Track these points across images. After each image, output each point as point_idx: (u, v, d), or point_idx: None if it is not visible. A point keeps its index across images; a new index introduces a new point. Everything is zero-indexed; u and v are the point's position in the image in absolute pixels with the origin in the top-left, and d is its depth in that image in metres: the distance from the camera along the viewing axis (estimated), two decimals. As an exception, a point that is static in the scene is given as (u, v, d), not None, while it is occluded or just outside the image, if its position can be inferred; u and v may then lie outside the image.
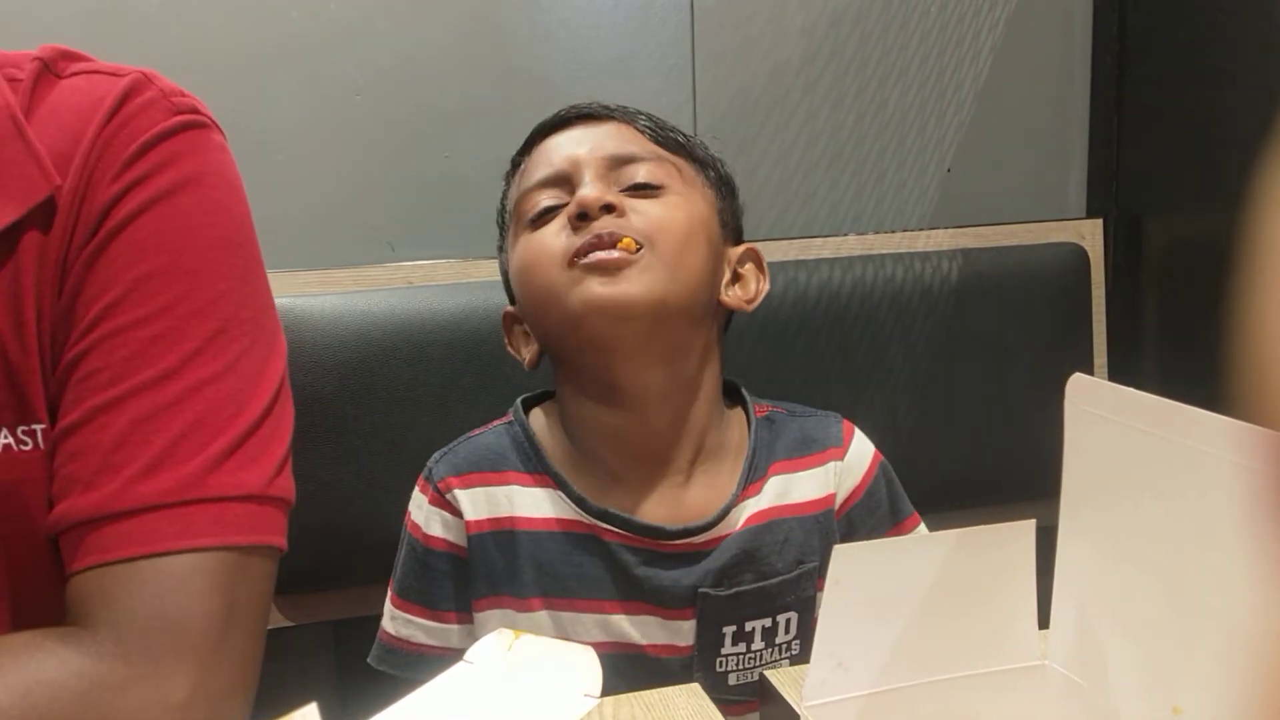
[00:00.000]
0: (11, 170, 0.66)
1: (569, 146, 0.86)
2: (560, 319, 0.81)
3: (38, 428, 0.66)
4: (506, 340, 0.92)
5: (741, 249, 0.91)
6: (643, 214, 0.81)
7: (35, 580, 0.67)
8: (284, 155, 1.28)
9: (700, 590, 0.83)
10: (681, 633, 0.84)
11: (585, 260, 0.78)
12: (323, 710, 0.46)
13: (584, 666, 0.51)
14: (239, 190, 0.74)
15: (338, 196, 1.30)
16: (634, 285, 0.78)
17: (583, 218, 0.79)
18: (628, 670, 0.83)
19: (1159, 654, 0.52)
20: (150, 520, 0.64)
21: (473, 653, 0.53)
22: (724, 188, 0.91)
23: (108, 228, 0.67)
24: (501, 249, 0.92)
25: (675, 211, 0.82)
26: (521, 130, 0.92)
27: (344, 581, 1.20)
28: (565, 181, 0.84)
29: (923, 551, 0.57)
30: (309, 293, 1.22)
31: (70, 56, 0.72)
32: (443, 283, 1.27)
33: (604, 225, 0.79)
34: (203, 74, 1.22)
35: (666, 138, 0.88)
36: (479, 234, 1.33)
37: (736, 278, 0.89)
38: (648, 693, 0.72)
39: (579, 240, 0.79)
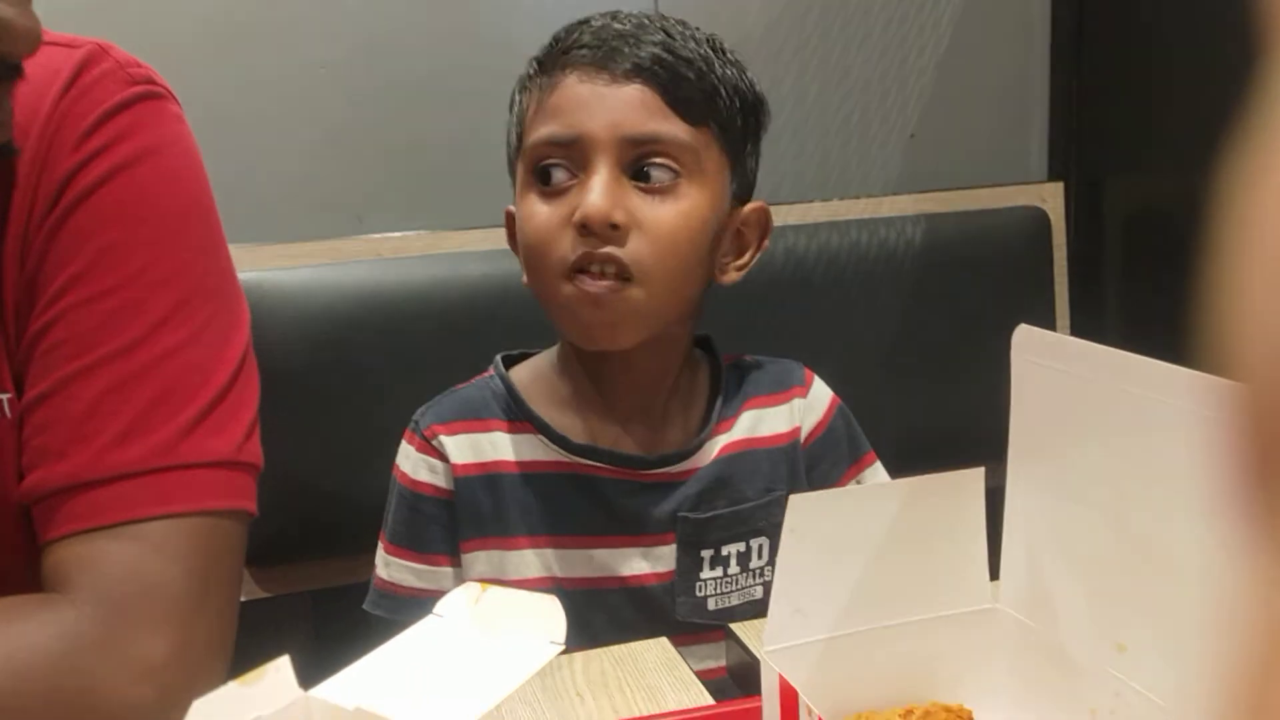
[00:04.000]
0: None
1: (587, 109, 0.82)
2: (552, 317, 0.86)
3: (4, 398, 0.67)
4: (508, 238, 0.93)
5: (749, 210, 0.90)
6: (646, 233, 0.81)
7: (7, 551, 0.68)
8: (251, 129, 1.28)
9: (679, 514, 0.87)
10: (663, 559, 0.88)
11: (579, 285, 0.81)
12: (301, 678, 0.47)
13: (549, 615, 0.52)
14: (197, 161, 0.75)
15: (306, 169, 1.31)
16: (621, 321, 0.82)
17: (586, 228, 0.80)
18: (614, 602, 0.86)
19: (1104, 594, 0.54)
20: (125, 488, 0.65)
21: (441, 606, 0.55)
22: (750, 136, 0.89)
23: (68, 199, 0.68)
24: (510, 156, 0.90)
25: (682, 221, 0.83)
26: (491, 100, 0.92)
27: (320, 552, 1.21)
28: (577, 150, 0.82)
29: (876, 499, 0.58)
30: (279, 266, 1.22)
31: None
32: (413, 255, 1.28)
33: (603, 250, 0.80)
34: (165, 47, 1.21)
35: (692, 109, 0.84)
36: (449, 205, 1.34)
37: (737, 240, 0.90)
38: (617, 647, 0.74)
39: (579, 250, 0.80)
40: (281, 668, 0.49)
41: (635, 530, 0.88)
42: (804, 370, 0.97)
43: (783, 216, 1.38)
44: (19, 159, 0.67)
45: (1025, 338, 0.57)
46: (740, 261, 0.90)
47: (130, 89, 0.71)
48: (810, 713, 0.53)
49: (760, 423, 0.92)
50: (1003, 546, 0.60)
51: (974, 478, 0.59)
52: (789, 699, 0.54)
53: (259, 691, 0.48)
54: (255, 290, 1.15)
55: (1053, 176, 1.54)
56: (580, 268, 0.81)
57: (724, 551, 0.89)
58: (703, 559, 0.89)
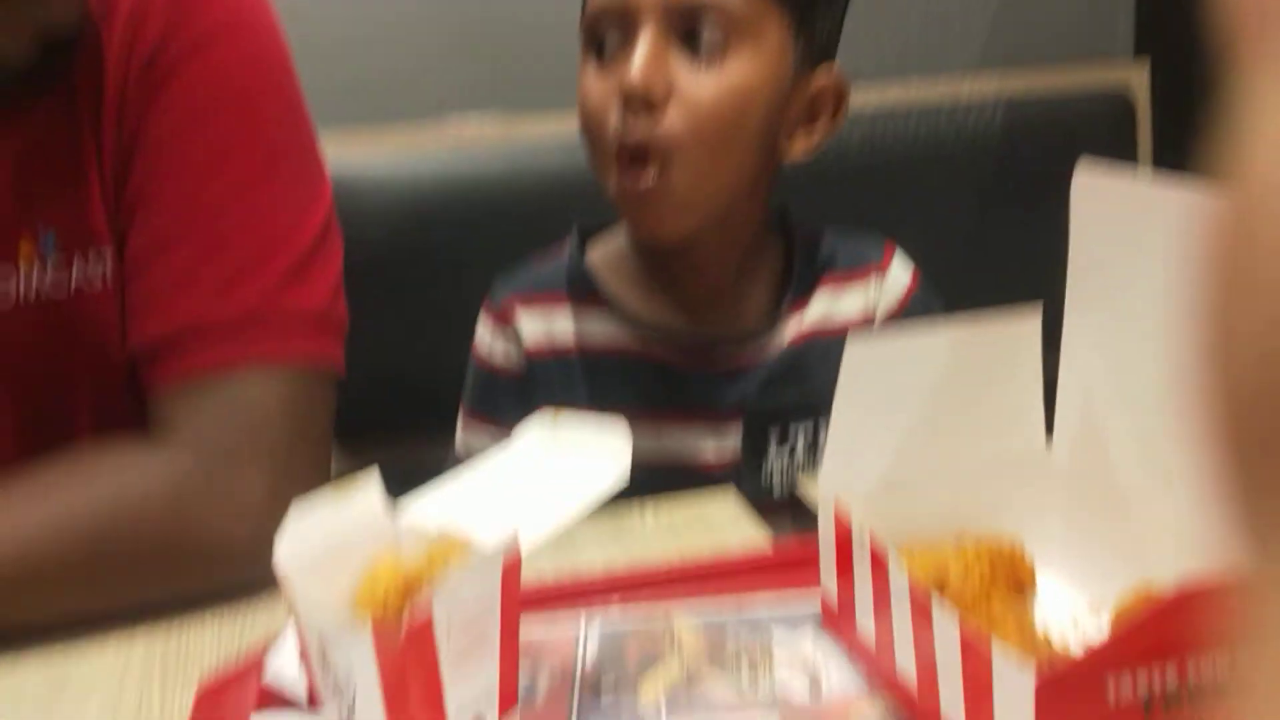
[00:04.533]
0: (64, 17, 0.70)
1: None
2: (609, 199, 0.86)
3: (106, 252, 0.72)
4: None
5: (822, 78, 0.87)
6: (685, 104, 0.80)
7: (114, 402, 0.73)
8: (331, 15, 1.31)
9: (748, 398, 0.88)
10: (729, 441, 0.89)
11: (623, 180, 0.81)
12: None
13: (616, 442, 0.56)
14: (280, 38, 0.78)
15: (385, 57, 1.33)
16: (666, 215, 0.83)
17: (625, 99, 0.80)
18: (679, 481, 0.89)
19: (1155, 430, 0.55)
20: (224, 337, 0.69)
21: (517, 434, 0.58)
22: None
23: (159, 69, 0.71)
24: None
25: (727, 93, 0.81)
26: None
27: (397, 434, 1.26)
28: (624, 19, 0.81)
29: (932, 342, 0.60)
30: (357, 155, 1.26)
31: None
32: (488, 143, 1.31)
33: (636, 137, 0.80)
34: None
35: None
36: (526, 92, 1.36)
37: (809, 110, 0.87)
38: (686, 500, 0.78)
39: (622, 124, 0.80)
40: (370, 482, 0.53)
41: (703, 412, 0.89)
42: (883, 245, 0.95)
43: (861, 101, 1.38)
44: (111, 30, 0.71)
45: (1086, 178, 0.58)
46: (810, 135, 0.88)
47: None
48: (863, 542, 0.55)
49: (835, 303, 0.92)
50: (1058, 388, 0.61)
51: (1031, 320, 0.60)
52: (843, 532, 0.57)
53: (350, 503, 0.52)
54: (334, 179, 1.19)
55: (1139, 53, 1.51)
56: (625, 156, 0.81)
57: (791, 435, 0.90)
58: (769, 442, 0.90)
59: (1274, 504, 0.15)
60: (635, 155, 0.81)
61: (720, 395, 0.89)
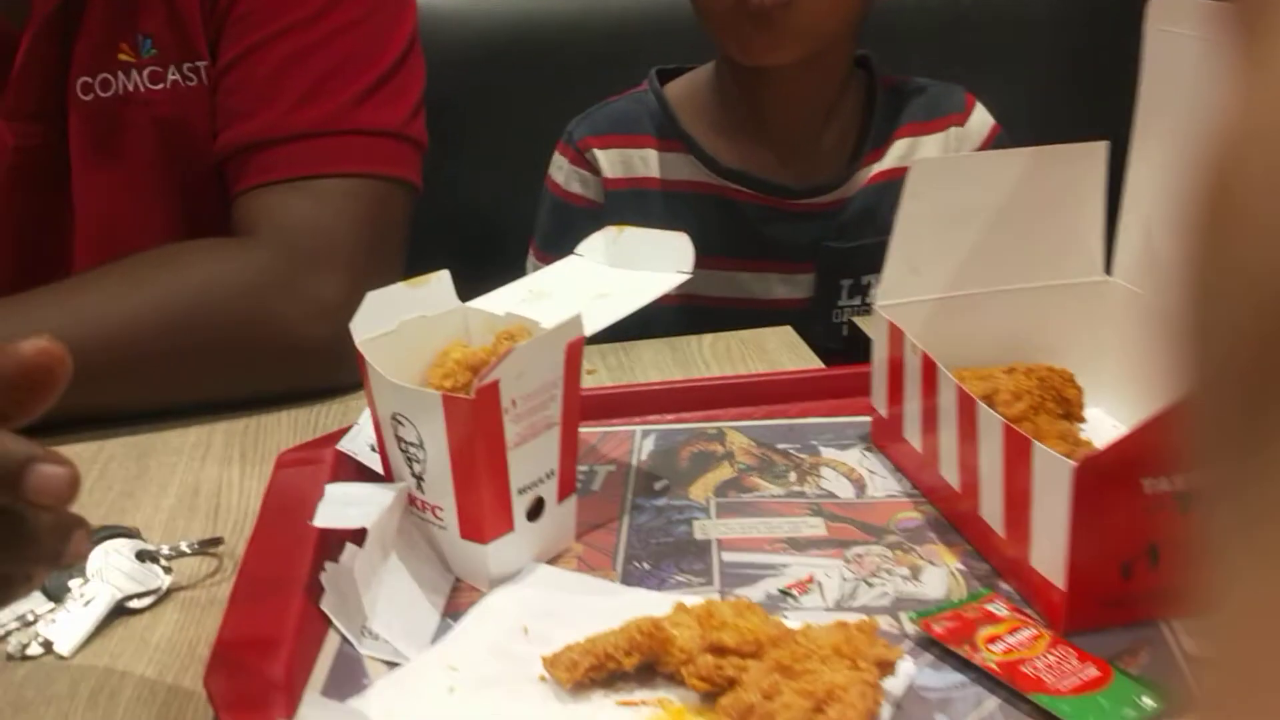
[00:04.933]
0: None
1: None
2: (711, 27, 0.86)
3: (201, 65, 0.74)
4: None
5: None
6: None
7: (204, 202, 0.76)
8: None
9: (823, 244, 0.90)
10: (801, 286, 0.91)
11: (746, 4, 0.81)
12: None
13: (679, 248, 0.57)
14: None
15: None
16: (785, 37, 0.82)
17: None
18: (751, 323, 0.91)
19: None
20: (306, 146, 0.72)
21: (582, 246, 0.60)
22: None
23: None
24: None
25: None
26: None
27: (469, 273, 1.29)
28: None
29: (998, 166, 0.61)
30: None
31: None
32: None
33: None
34: None
35: None
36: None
37: None
38: (745, 330, 0.80)
39: None
40: (442, 278, 0.55)
41: (778, 255, 0.91)
42: (964, 95, 0.95)
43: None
44: None
45: (1160, 5, 0.57)
46: None
47: None
48: (915, 357, 0.57)
49: (914, 151, 0.92)
50: (1120, 216, 0.61)
51: (1097, 150, 0.60)
52: (896, 344, 0.59)
53: (424, 293, 0.54)
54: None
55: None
56: None
57: (863, 281, 0.91)
58: (841, 287, 0.91)
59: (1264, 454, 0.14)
60: None
61: (795, 238, 0.91)
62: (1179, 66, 0.57)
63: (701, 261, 0.93)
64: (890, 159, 0.92)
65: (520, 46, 1.24)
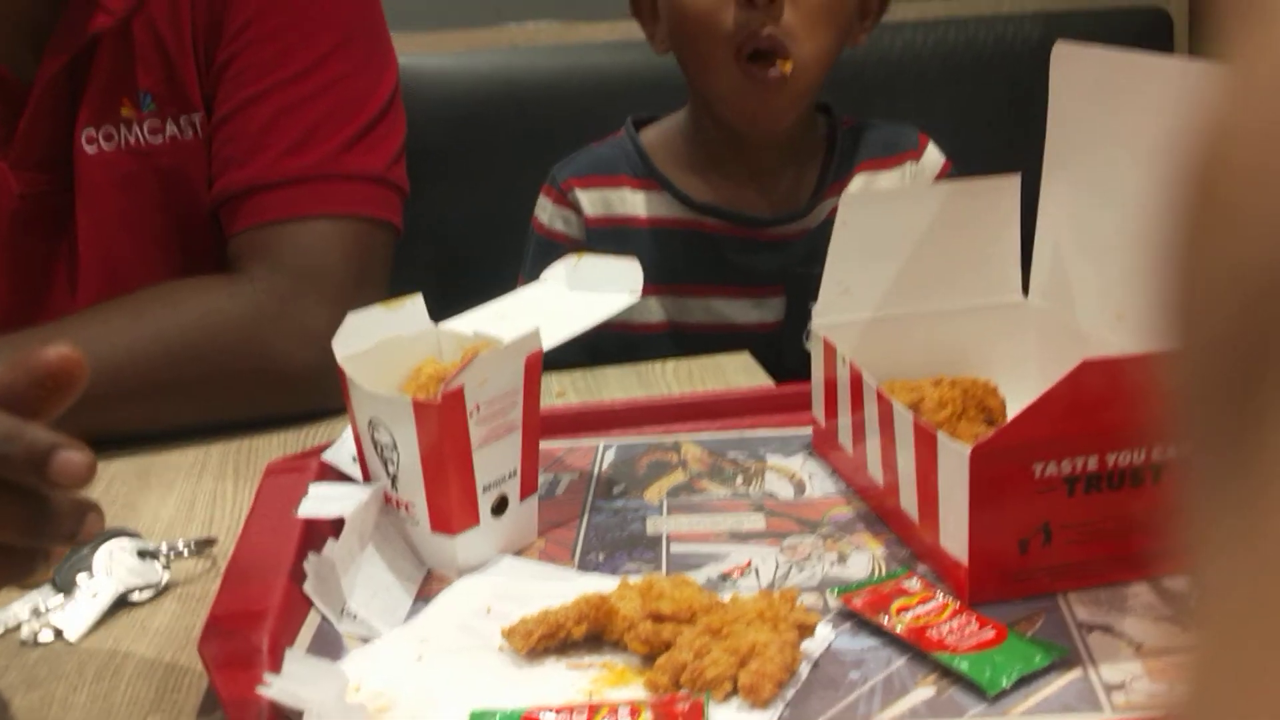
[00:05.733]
0: None
1: None
2: (710, 94, 0.94)
3: (196, 117, 0.81)
4: (634, 8, 0.99)
5: None
6: (800, 6, 0.88)
7: (200, 242, 0.83)
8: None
9: (790, 269, 0.97)
10: (772, 309, 0.98)
11: (751, 74, 0.88)
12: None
13: (630, 273, 0.63)
14: None
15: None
16: (787, 107, 0.91)
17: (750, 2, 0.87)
18: (727, 347, 0.97)
19: (1109, 271, 0.62)
20: (295, 190, 0.78)
21: (546, 273, 0.66)
22: None
23: None
24: None
25: None
26: None
27: (461, 306, 1.35)
28: None
29: (920, 199, 0.67)
30: (423, 53, 1.33)
31: None
32: (545, 45, 1.38)
33: (764, 24, 0.87)
34: None
35: None
36: (579, 2, 1.42)
37: (862, 5, 0.96)
38: (705, 357, 0.85)
39: (743, 23, 0.87)
40: (416, 301, 0.61)
41: (750, 281, 0.98)
42: (918, 134, 1.02)
43: (901, 12, 1.42)
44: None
45: (1064, 50, 0.64)
46: (866, 24, 0.97)
47: None
48: (845, 371, 0.63)
49: (873, 183, 0.99)
50: (1035, 242, 0.68)
51: (1010, 182, 0.67)
52: (830, 360, 0.64)
53: (399, 315, 0.60)
54: (402, 74, 1.27)
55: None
56: (749, 53, 0.88)
57: None
58: (809, 311, 0.98)
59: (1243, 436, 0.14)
60: (760, 52, 0.88)
61: (765, 266, 0.98)
62: (1080, 110, 0.64)
63: (679, 290, 1.01)
64: (851, 190, 0.99)
65: (505, 100, 1.32)
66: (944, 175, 1.01)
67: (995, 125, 1.40)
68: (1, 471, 0.41)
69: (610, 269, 0.64)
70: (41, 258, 0.82)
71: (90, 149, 0.79)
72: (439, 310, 0.62)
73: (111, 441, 0.72)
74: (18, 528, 0.42)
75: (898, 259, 0.68)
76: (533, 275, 1.00)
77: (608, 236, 0.98)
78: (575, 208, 0.99)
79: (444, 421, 0.53)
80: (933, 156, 1.02)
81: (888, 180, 1.00)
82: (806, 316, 0.98)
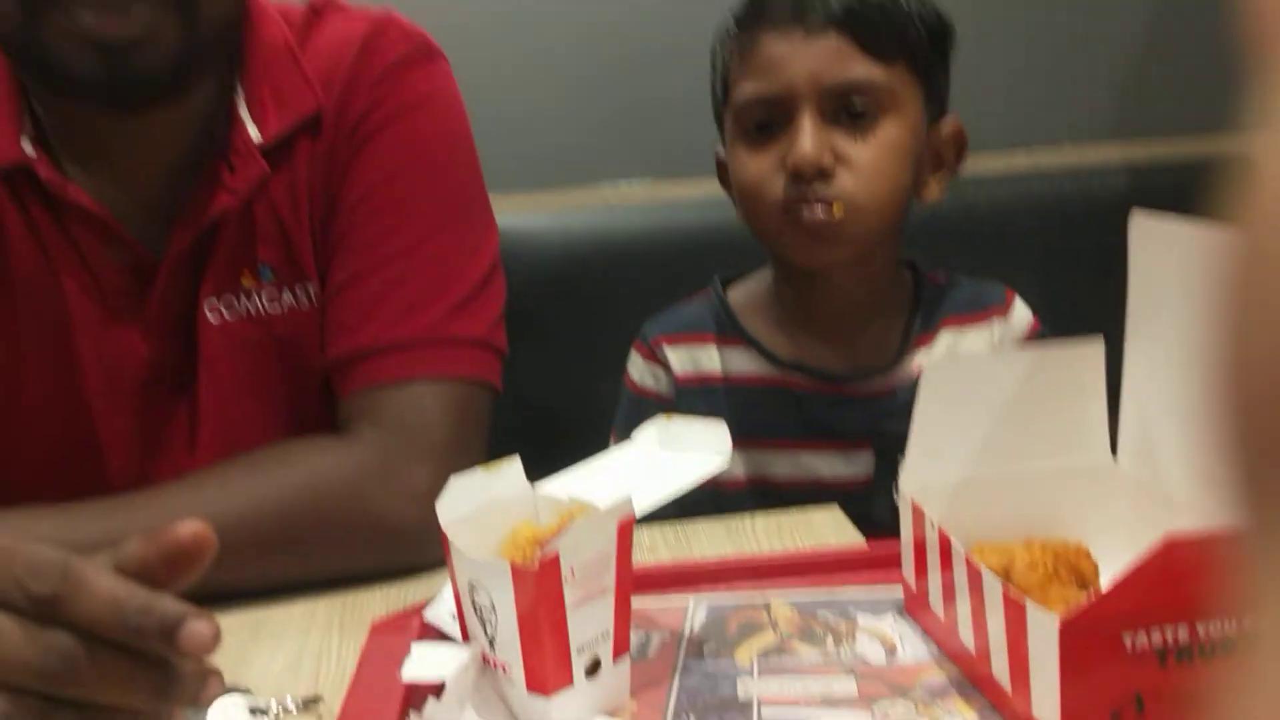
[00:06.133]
0: (289, 90, 0.85)
1: (787, 66, 0.92)
2: (771, 250, 0.99)
3: (311, 287, 0.86)
4: (719, 178, 1.05)
5: (946, 128, 0.99)
6: (851, 167, 0.92)
7: (311, 404, 0.87)
8: (502, 90, 1.47)
9: (878, 426, 0.98)
10: (861, 465, 0.99)
11: (798, 218, 0.92)
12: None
13: (718, 436, 0.65)
14: (461, 108, 0.92)
15: (548, 128, 1.48)
16: (838, 248, 0.94)
17: (798, 173, 0.92)
18: (819, 502, 0.97)
19: (1195, 435, 0.62)
20: (402, 355, 0.83)
21: (636, 433, 0.69)
22: (938, 58, 0.97)
23: (361, 134, 0.86)
24: (715, 106, 1.03)
25: (884, 152, 0.93)
26: (699, 64, 1.04)
27: (556, 465, 1.38)
28: (781, 105, 0.93)
29: (1005, 364, 0.68)
30: (521, 211, 1.40)
31: (331, 3, 0.92)
32: (636, 204, 1.44)
33: (815, 190, 0.91)
34: (436, 18, 1.43)
35: (883, 48, 0.93)
36: (669, 160, 1.49)
37: (935, 157, 0.99)
38: (792, 510, 0.87)
39: (793, 192, 0.92)
40: (515, 464, 0.64)
41: (839, 438, 0.99)
42: (1004, 290, 1.04)
43: (985, 163, 1.46)
44: (328, 107, 0.85)
45: (1141, 223, 0.66)
46: (940, 178, 1.00)
47: (410, 49, 0.89)
48: (934, 535, 0.64)
49: (960, 343, 1.01)
50: (1120, 404, 0.68)
51: (1095, 346, 0.68)
52: (919, 522, 0.65)
53: (497, 479, 0.63)
54: (502, 232, 1.34)
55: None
56: (794, 205, 0.92)
57: None
58: (899, 465, 0.99)
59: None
60: (813, 199, 0.92)
61: (853, 421, 0.99)
62: (1161, 278, 0.65)
63: (767, 445, 1.03)
64: (939, 348, 1.01)
65: (598, 256, 1.37)
66: (1032, 333, 1.02)
67: (1081, 277, 1.41)
68: (134, 641, 0.44)
69: (699, 431, 0.66)
70: (164, 418, 0.88)
71: (213, 317, 0.85)
72: (534, 462, 0.65)
73: (225, 595, 0.76)
74: (147, 693, 0.45)
75: (984, 421, 0.69)
76: (625, 430, 1.04)
77: (696, 393, 1.01)
78: (664, 364, 1.03)
79: (540, 586, 0.55)
80: (1020, 313, 1.03)
81: (975, 337, 1.01)
82: (895, 471, 0.99)
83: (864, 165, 0.92)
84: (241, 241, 0.85)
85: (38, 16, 0.72)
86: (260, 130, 0.83)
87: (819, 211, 0.91)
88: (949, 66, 1.00)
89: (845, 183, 0.91)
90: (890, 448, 0.98)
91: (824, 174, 0.91)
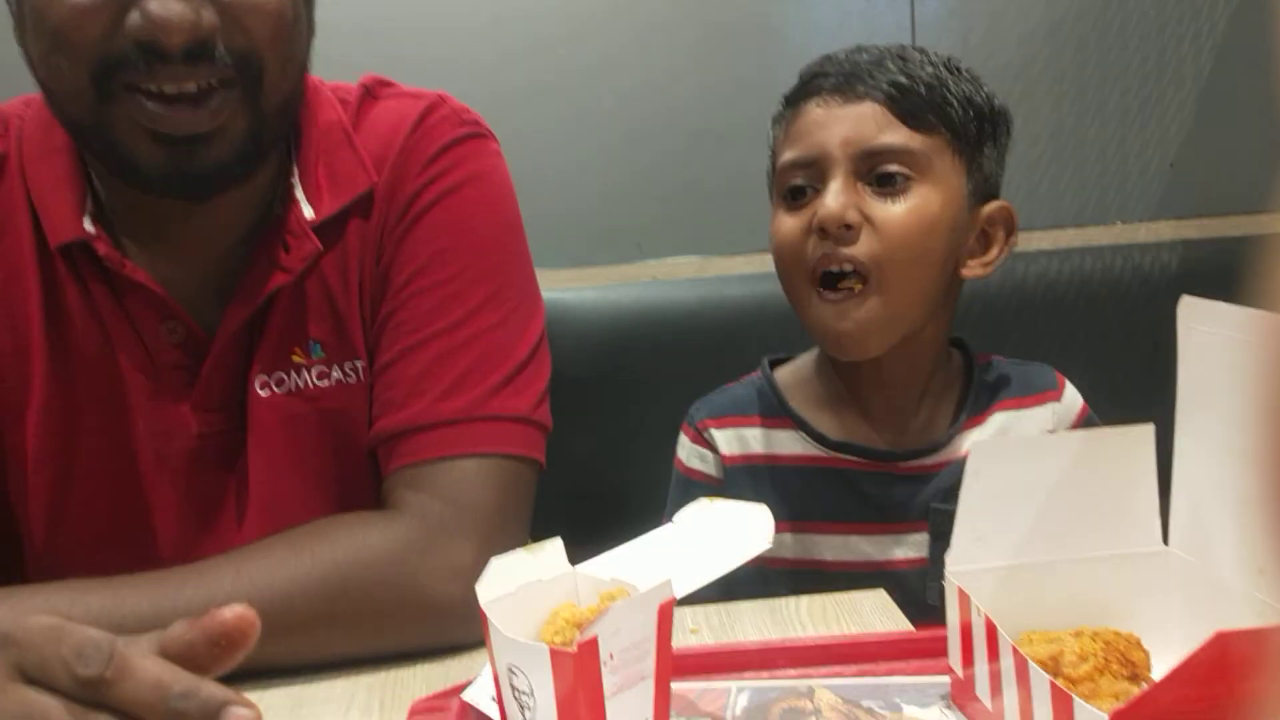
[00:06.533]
0: (343, 169, 0.87)
1: (823, 129, 0.94)
2: (806, 328, 0.98)
3: (359, 364, 0.87)
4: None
5: (992, 208, 0.99)
6: (878, 229, 0.92)
7: (357, 481, 0.88)
8: (551, 169, 1.49)
9: (932, 506, 0.97)
10: (915, 546, 0.98)
11: (823, 296, 0.93)
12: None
13: (761, 520, 0.65)
14: (510, 188, 0.94)
15: (595, 204, 1.50)
16: (867, 330, 0.93)
17: (824, 229, 0.93)
18: (869, 584, 0.96)
19: (1249, 526, 0.61)
20: (447, 432, 0.83)
21: (678, 516, 0.69)
22: (986, 140, 0.97)
23: (412, 213, 0.88)
24: (769, 184, 1.03)
25: (913, 218, 0.93)
26: (754, 143, 1.06)
27: (604, 541, 1.38)
28: (816, 167, 0.95)
29: (1053, 447, 0.67)
30: (569, 287, 1.41)
31: (384, 84, 0.94)
32: (683, 278, 1.44)
33: (841, 251, 0.92)
34: (488, 99, 1.46)
35: (922, 119, 0.94)
36: (714, 236, 1.50)
37: (983, 237, 0.99)
38: (838, 594, 0.85)
39: (818, 252, 0.93)
40: (556, 544, 0.64)
41: (889, 519, 0.98)
42: (1055, 374, 1.03)
43: (1036, 241, 1.45)
44: (378, 183, 0.87)
45: (1190, 306, 0.65)
46: (987, 258, 0.99)
47: (461, 129, 0.91)
48: (980, 614, 0.63)
49: (1015, 424, 1.00)
50: (1171, 493, 0.67)
51: (1145, 432, 0.67)
52: (965, 609, 0.64)
53: (538, 559, 0.63)
54: (547, 308, 1.35)
55: (1321, 201, 1.53)
56: (823, 279, 0.93)
57: None
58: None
59: None
60: (831, 274, 0.92)
61: (903, 504, 0.98)
62: (1211, 363, 0.65)
63: (818, 527, 1.02)
64: (990, 429, 1.00)
65: (645, 330, 1.38)
66: (1082, 419, 1.01)
67: (1133, 354, 1.40)
68: None
69: (742, 515, 0.66)
70: (213, 491, 0.89)
71: (263, 393, 0.86)
72: (574, 537, 0.64)
73: (266, 672, 0.76)
74: (186, 774, 0.45)
75: (1032, 506, 0.68)
76: (674, 512, 1.04)
77: (744, 475, 1.00)
78: (712, 447, 1.02)
79: (579, 670, 0.55)
80: (1071, 397, 1.02)
81: (1033, 420, 1.00)
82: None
83: (891, 228, 0.92)
84: (293, 318, 0.86)
85: (108, 104, 0.74)
86: (314, 209, 0.85)
87: (843, 289, 0.91)
88: (1002, 154, 1.00)
89: (871, 244, 0.91)
90: (944, 528, 0.97)
91: (849, 230, 0.91)
